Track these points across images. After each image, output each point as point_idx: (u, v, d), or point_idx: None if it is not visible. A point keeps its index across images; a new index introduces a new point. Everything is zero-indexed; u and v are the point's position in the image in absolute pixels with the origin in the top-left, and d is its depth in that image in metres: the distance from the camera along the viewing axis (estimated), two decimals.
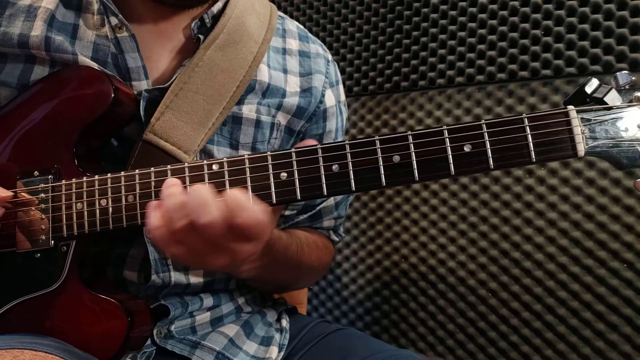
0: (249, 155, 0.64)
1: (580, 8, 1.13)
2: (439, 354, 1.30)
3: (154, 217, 0.58)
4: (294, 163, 0.63)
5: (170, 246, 0.59)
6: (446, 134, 0.60)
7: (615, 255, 1.11)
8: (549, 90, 1.18)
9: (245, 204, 0.57)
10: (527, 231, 1.19)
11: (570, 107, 0.59)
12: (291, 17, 0.96)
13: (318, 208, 0.94)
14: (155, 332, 0.78)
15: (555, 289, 1.17)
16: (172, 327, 0.79)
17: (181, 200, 0.57)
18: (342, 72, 1.43)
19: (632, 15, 1.09)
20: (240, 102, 0.80)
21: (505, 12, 1.21)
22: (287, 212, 0.92)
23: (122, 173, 0.68)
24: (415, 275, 1.33)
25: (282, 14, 0.92)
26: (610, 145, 0.59)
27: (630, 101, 0.59)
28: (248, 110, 0.81)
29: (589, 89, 0.60)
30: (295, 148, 0.63)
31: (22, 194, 0.71)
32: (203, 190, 0.57)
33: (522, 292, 1.20)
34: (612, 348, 1.11)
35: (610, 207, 1.11)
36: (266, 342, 0.84)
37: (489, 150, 0.59)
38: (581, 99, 0.61)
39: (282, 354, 0.83)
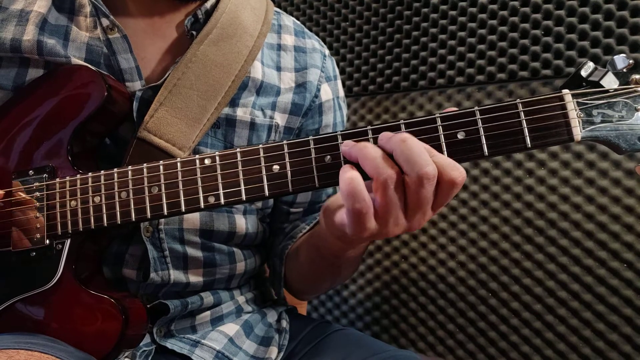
0: (241, 148, 0.64)
1: (580, 8, 1.13)
2: (439, 354, 1.29)
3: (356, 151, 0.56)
4: (286, 155, 0.63)
5: (363, 196, 0.55)
6: (439, 122, 0.60)
7: (615, 255, 1.11)
8: (549, 91, 1.18)
9: (456, 164, 0.56)
10: (527, 231, 1.19)
11: (565, 90, 0.58)
12: (291, 16, 0.96)
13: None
14: (155, 330, 0.78)
15: (556, 289, 1.16)
16: (172, 326, 0.79)
17: (390, 149, 0.56)
18: (342, 72, 1.43)
19: (632, 15, 1.09)
20: (234, 104, 0.80)
21: (505, 12, 1.21)
22: (292, 210, 0.91)
23: (115, 170, 0.68)
24: (415, 275, 1.33)
25: (277, 9, 0.91)
26: (608, 129, 0.57)
27: (627, 83, 0.57)
28: (242, 112, 0.80)
29: (584, 72, 0.59)
30: (288, 140, 0.63)
31: (18, 193, 0.71)
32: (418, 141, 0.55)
33: (522, 292, 1.20)
34: (612, 348, 1.11)
35: (610, 207, 1.11)
36: (266, 342, 0.84)
37: (483, 136, 0.58)
38: (577, 83, 0.59)
39: (281, 354, 0.83)
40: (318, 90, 0.88)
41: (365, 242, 0.66)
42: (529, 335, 1.19)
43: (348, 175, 0.56)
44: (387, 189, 0.56)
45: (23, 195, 0.70)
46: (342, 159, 0.61)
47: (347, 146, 0.59)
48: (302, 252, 0.85)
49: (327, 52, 0.93)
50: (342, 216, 0.60)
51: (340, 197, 0.63)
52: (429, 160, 0.55)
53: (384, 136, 0.58)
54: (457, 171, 0.56)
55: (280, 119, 0.84)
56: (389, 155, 0.57)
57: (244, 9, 0.81)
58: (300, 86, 0.86)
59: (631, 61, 0.57)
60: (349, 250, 0.72)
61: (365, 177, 0.57)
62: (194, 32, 0.78)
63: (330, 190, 0.91)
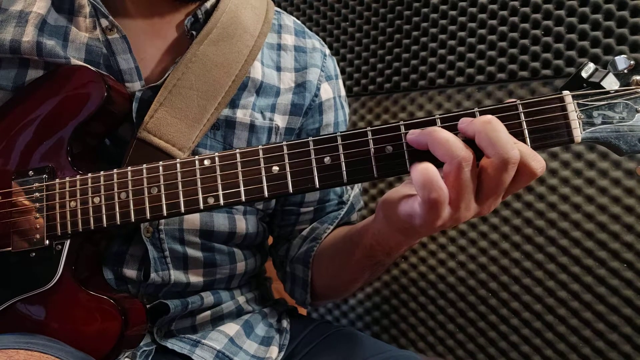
0: (240, 149, 0.64)
1: (580, 8, 1.13)
2: (439, 354, 1.29)
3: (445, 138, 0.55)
4: (286, 156, 0.62)
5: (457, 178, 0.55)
6: (439, 123, 0.59)
7: (615, 255, 1.11)
8: (549, 91, 1.18)
9: (537, 154, 0.56)
10: (527, 231, 1.19)
11: (566, 92, 0.58)
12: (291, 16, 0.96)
13: (350, 201, 0.92)
14: (155, 330, 0.78)
15: (556, 289, 1.16)
16: (173, 326, 0.79)
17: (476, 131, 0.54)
18: (342, 72, 1.42)
19: (632, 15, 1.08)
20: (234, 105, 0.80)
21: (505, 12, 1.21)
22: (302, 210, 0.90)
23: (115, 170, 0.68)
24: (415, 275, 1.33)
25: (278, 9, 0.91)
26: (609, 130, 0.57)
27: (628, 84, 0.57)
28: (242, 114, 0.80)
29: (585, 73, 0.59)
30: (287, 141, 0.63)
31: (17, 193, 0.71)
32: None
33: (522, 292, 1.20)
34: (612, 348, 1.11)
35: (610, 207, 1.11)
36: (266, 342, 0.84)
37: None
38: (578, 84, 0.59)
39: (282, 354, 0.83)
40: (318, 89, 0.87)
41: (427, 234, 0.66)
42: (529, 335, 1.19)
43: (421, 165, 0.55)
44: (460, 172, 0.55)
45: (23, 195, 0.70)
46: (342, 160, 0.61)
47: (413, 134, 0.58)
48: (334, 254, 0.84)
49: (327, 51, 0.92)
50: (408, 207, 0.59)
51: (399, 189, 0.63)
52: (513, 144, 0.54)
53: (465, 120, 0.57)
54: (537, 162, 0.56)
55: (280, 121, 0.84)
56: (463, 140, 0.56)
57: (245, 9, 0.81)
58: (300, 86, 0.86)
59: (632, 62, 0.57)
60: (406, 245, 0.70)
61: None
62: (194, 32, 0.78)
63: (338, 188, 0.90)
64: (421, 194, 0.55)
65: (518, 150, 0.54)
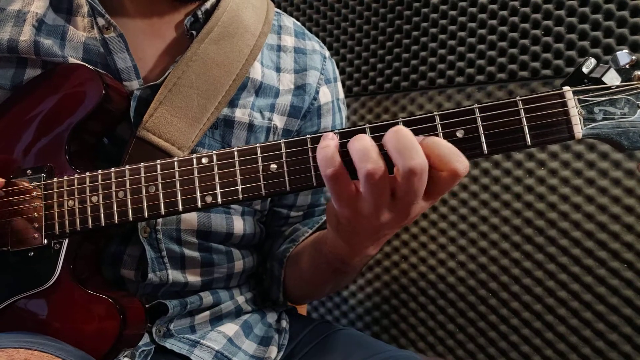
0: (238, 148, 0.64)
1: (580, 8, 1.13)
2: (439, 354, 1.29)
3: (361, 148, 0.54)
4: (284, 154, 0.62)
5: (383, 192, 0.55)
6: (438, 120, 0.59)
7: (615, 255, 1.11)
8: (549, 90, 1.17)
9: (460, 154, 0.54)
10: (527, 231, 1.19)
11: (566, 87, 0.57)
12: (291, 16, 0.96)
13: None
14: (154, 330, 0.78)
15: (556, 289, 1.16)
16: (171, 326, 0.79)
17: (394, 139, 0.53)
18: (342, 72, 1.42)
19: (632, 15, 1.08)
20: (233, 105, 0.80)
21: (505, 12, 1.21)
22: (292, 213, 0.90)
23: (112, 169, 0.68)
24: (415, 275, 1.33)
25: (278, 10, 0.91)
26: (610, 126, 0.56)
27: (630, 80, 0.56)
28: (241, 113, 0.80)
29: (586, 69, 0.58)
30: (285, 139, 0.63)
31: (16, 192, 0.70)
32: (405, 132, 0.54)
33: (522, 292, 1.20)
34: (612, 348, 1.11)
35: (610, 207, 1.11)
36: (265, 342, 0.84)
37: (482, 135, 0.57)
38: (578, 80, 0.58)
39: (281, 354, 0.83)
40: (317, 92, 0.87)
41: (365, 240, 0.66)
42: (529, 335, 1.19)
43: (323, 143, 0.56)
44: (366, 181, 0.55)
45: (21, 195, 0.70)
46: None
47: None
48: (305, 257, 0.84)
49: (327, 53, 0.92)
50: (330, 205, 0.61)
51: None
52: (418, 152, 0.53)
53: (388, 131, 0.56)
54: (460, 163, 0.54)
55: (278, 121, 0.84)
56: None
57: (246, 8, 0.81)
58: (300, 88, 0.86)
59: (634, 57, 0.56)
60: (354, 255, 0.71)
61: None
62: (194, 32, 0.77)
63: (329, 193, 0.90)
64: (321, 171, 0.56)
65: (424, 158, 0.53)
